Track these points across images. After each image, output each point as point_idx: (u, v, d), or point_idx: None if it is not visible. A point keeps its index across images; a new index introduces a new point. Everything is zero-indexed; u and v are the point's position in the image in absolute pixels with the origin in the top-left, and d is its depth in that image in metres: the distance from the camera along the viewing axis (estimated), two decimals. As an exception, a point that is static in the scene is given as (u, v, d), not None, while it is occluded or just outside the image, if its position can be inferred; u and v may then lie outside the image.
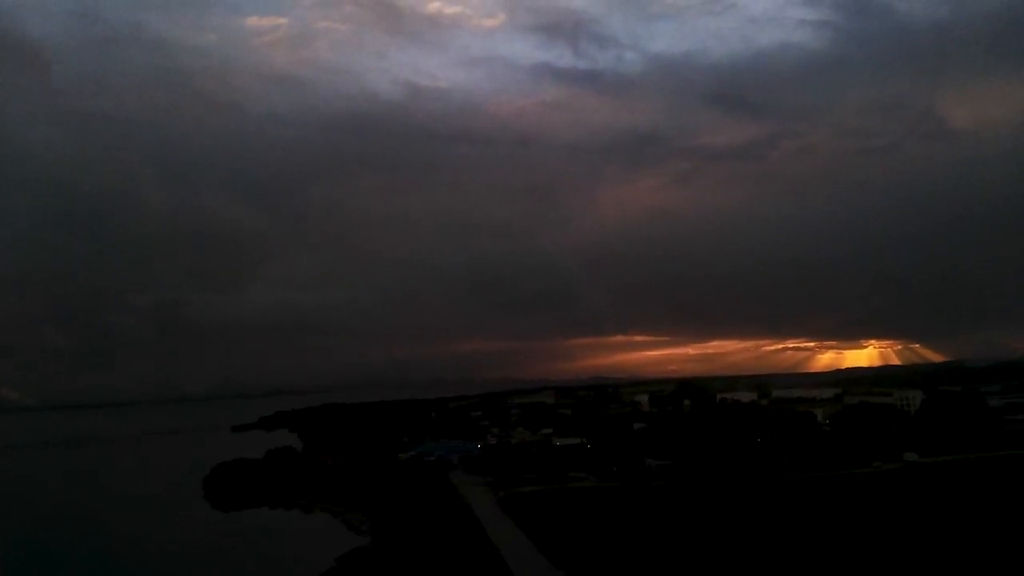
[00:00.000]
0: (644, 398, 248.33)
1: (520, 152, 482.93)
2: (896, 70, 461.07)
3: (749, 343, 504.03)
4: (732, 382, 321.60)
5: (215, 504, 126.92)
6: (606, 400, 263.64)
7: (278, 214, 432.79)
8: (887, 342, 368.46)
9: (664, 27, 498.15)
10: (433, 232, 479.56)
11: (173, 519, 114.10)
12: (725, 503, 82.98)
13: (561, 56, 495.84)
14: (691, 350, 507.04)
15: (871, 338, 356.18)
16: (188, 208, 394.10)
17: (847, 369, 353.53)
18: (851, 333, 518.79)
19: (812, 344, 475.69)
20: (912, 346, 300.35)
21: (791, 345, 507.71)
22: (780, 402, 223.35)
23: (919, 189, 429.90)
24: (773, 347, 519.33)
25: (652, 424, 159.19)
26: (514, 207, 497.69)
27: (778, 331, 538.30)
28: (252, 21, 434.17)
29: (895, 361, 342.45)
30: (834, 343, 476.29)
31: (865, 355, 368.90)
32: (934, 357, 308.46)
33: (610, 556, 63.31)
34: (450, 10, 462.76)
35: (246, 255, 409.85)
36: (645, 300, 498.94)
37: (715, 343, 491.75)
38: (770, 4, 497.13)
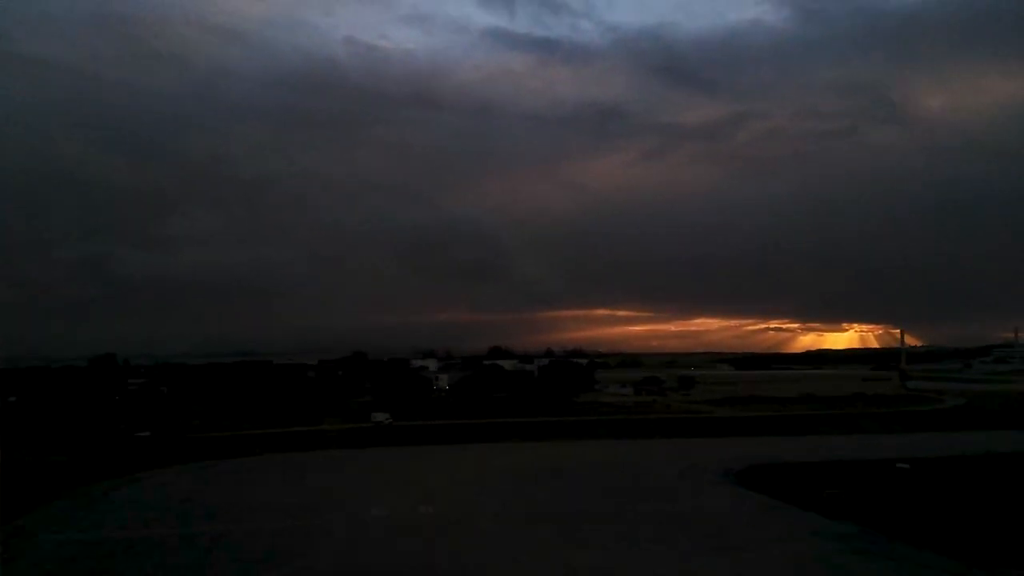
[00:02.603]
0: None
1: (479, 120, 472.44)
2: (863, 53, 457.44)
3: (732, 322, 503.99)
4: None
5: None
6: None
7: (202, 170, 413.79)
8: (868, 326, 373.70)
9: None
10: (392, 197, 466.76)
11: None
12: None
13: (512, 20, 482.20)
14: (673, 327, 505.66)
15: (853, 322, 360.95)
16: (99, 160, 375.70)
17: (827, 351, 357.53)
18: (833, 316, 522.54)
19: (795, 325, 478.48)
20: (892, 331, 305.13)
21: (773, 325, 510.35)
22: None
23: (889, 176, 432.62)
24: (755, 327, 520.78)
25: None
26: (477, 175, 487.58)
27: (762, 312, 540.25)
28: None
29: (874, 344, 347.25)
30: (817, 325, 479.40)
31: (845, 338, 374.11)
32: (912, 342, 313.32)
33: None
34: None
35: (165, 212, 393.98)
36: (626, 276, 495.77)
37: (698, 321, 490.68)
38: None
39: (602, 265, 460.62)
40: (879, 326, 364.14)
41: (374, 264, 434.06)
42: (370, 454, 70.26)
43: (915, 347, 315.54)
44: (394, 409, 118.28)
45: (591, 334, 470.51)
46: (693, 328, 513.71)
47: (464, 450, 71.49)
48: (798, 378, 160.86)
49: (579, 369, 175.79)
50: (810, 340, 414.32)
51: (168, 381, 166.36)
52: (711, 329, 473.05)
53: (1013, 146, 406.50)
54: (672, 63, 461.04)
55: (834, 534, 31.13)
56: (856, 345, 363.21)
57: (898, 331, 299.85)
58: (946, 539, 29.33)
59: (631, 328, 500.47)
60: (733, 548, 29.15)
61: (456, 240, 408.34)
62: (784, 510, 37.61)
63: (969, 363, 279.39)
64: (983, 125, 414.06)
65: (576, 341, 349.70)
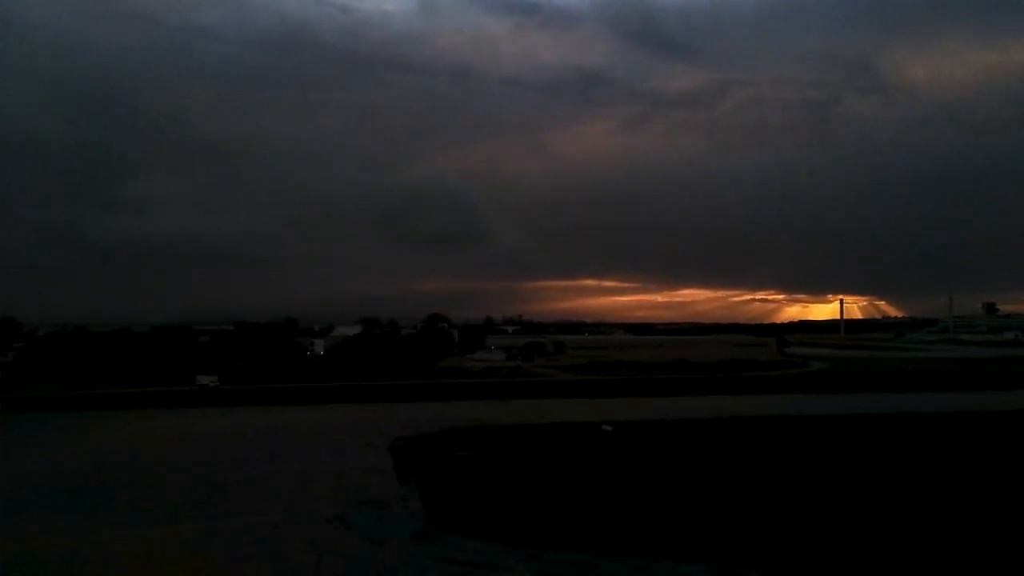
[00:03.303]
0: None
1: (457, 84, 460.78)
2: (846, 22, 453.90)
3: (719, 293, 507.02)
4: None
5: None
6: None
7: (170, 134, 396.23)
8: (853, 297, 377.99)
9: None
10: (365, 160, 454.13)
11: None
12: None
13: None
14: (660, 297, 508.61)
15: (839, 293, 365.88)
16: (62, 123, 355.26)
17: (812, 321, 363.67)
18: (819, 288, 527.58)
19: (781, 297, 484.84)
20: (877, 303, 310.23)
21: (759, 297, 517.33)
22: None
23: (872, 146, 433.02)
24: (741, 298, 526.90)
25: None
26: (458, 141, 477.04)
27: (748, 283, 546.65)
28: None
29: (858, 315, 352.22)
30: (803, 297, 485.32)
31: (830, 309, 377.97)
32: (895, 313, 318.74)
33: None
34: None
35: (126, 175, 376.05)
36: (611, 247, 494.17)
37: (685, 291, 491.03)
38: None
39: (588, 235, 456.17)
40: (864, 297, 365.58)
41: (353, 232, 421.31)
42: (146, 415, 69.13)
43: (894, 317, 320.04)
44: (266, 374, 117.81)
45: (577, 304, 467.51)
46: (679, 299, 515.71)
47: (237, 413, 69.28)
48: (684, 343, 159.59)
49: (446, 335, 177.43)
50: (795, 311, 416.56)
51: (51, 348, 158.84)
52: (698, 300, 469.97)
53: (994, 116, 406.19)
54: (655, 29, 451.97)
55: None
56: (838, 316, 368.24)
57: (882, 302, 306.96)
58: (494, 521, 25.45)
59: (618, 298, 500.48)
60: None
61: (435, 207, 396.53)
62: (379, 475, 33.54)
63: (902, 333, 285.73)
64: (966, 96, 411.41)
65: (562, 311, 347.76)
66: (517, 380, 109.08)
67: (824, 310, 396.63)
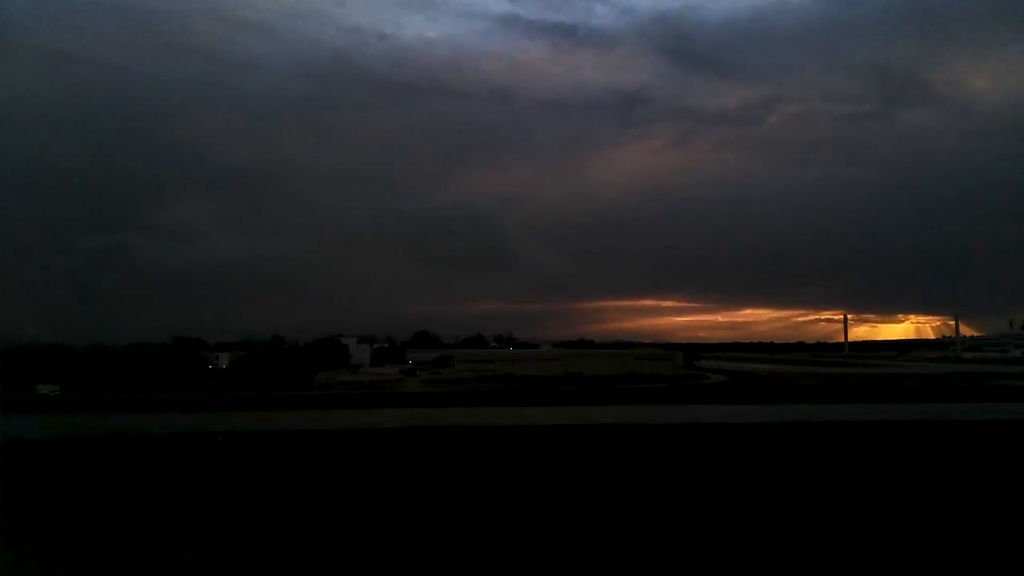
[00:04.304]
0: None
1: (500, 107, 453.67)
2: (894, 33, 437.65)
3: (782, 313, 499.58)
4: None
5: None
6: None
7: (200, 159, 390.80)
8: (926, 317, 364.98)
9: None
10: (412, 183, 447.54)
11: None
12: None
13: (527, 7, 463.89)
14: (720, 317, 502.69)
15: (910, 313, 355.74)
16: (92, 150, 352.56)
17: (881, 341, 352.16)
18: (887, 308, 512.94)
19: (849, 317, 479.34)
20: (949, 322, 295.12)
21: (824, 316, 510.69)
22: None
23: (924, 161, 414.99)
24: (806, 318, 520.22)
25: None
26: (502, 165, 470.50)
27: (813, 303, 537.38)
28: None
29: (930, 335, 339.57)
30: (871, 317, 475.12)
31: (901, 329, 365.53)
32: (971, 332, 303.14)
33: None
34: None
35: (168, 202, 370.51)
36: (668, 266, 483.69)
37: (746, 311, 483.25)
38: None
39: (642, 255, 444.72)
40: (938, 317, 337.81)
41: (401, 252, 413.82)
42: None
43: (965, 337, 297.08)
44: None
45: (635, 324, 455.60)
46: (740, 319, 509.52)
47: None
48: (584, 356, 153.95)
49: (338, 348, 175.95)
50: (863, 331, 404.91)
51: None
52: (760, 320, 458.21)
53: None
54: (696, 47, 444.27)
55: None
56: (912, 336, 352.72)
57: (952, 321, 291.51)
58: None
59: (675, 319, 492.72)
60: None
61: (479, 230, 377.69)
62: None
63: (907, 351, 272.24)
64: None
65: (622, 331, 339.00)
66: (402, 392, 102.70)
67: (894, 330, 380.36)
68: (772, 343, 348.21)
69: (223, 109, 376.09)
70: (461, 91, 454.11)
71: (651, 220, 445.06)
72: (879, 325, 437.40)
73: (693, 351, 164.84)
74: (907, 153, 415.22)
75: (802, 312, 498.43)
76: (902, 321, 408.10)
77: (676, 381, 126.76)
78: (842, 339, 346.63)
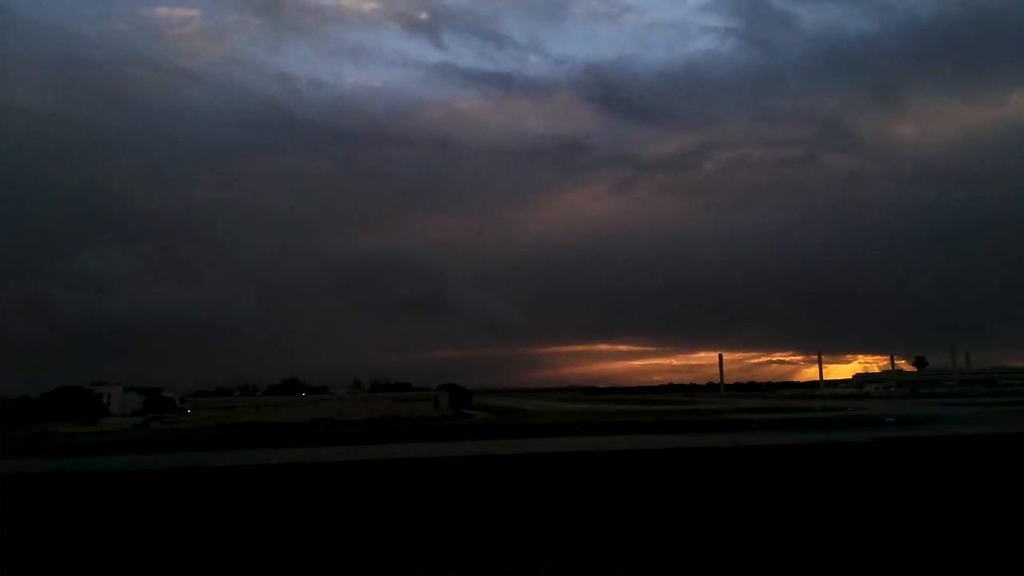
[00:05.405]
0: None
1: (441, 154, 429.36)
2: (818, 83, 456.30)
3: (736, 355, 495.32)
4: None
5: None
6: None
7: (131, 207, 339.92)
8: (873, 357, 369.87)
9: (561, 30, 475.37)
10: (376, 233, 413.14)
11: None
12: None
13: (460, 56, 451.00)
14: (675, 360, 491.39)
15: (858, 353, 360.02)
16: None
17: (827, 381, 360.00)
18: (837, 348, 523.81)
19: (799, 358, 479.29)
20: (899, 361, 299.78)
21: (776, 358, 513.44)
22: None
23: (856, 204, 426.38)
24: (759, 360, 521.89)
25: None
26: (443, 211, 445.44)
27: (767, 345, 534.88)
28: (162, 11, 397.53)
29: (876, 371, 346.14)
30: (824, 358, 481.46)
31: (849, 369, 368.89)
32: (912, 370, 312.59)
33: None
34: (347, 3, 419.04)
35: (91, 249, 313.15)
36: (616, 310, 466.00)
37: (701, 354, 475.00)
38: (670, 10, 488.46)
39: (598, 300, 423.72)
40: (884, 356, 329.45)
41: (357, 299, 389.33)
42: None
43: (906, 373, 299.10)
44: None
45: (592, 369, 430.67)
46: (694, 362, 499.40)
47: None
48: (340, 400, 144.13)
49: (85, 397, 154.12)
50: (813, 372, 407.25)
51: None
52: (714, 362, 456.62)
53: (978, 172, 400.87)
54: (630, 97, 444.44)
55: None
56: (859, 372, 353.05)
57: (903, 361, 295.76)
58: None
59: (632, 363, 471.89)
60: None
61: (419, 277, 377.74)
62: None
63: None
64: (947, 152, 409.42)
65: (576, 376, 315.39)
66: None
67: (843, 370, 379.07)
68: (730, 384, 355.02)
69: (154, 156, 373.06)
70: (401, 138, 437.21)
71: (596, 265, 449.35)
72: (829, 365, 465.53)
73: (463, 392, 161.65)
74: (838, 196, 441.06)
75: (754, 355, 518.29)
76: (850, 361, 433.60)
77: (433, 422, 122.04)
78: (796, 379, 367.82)
